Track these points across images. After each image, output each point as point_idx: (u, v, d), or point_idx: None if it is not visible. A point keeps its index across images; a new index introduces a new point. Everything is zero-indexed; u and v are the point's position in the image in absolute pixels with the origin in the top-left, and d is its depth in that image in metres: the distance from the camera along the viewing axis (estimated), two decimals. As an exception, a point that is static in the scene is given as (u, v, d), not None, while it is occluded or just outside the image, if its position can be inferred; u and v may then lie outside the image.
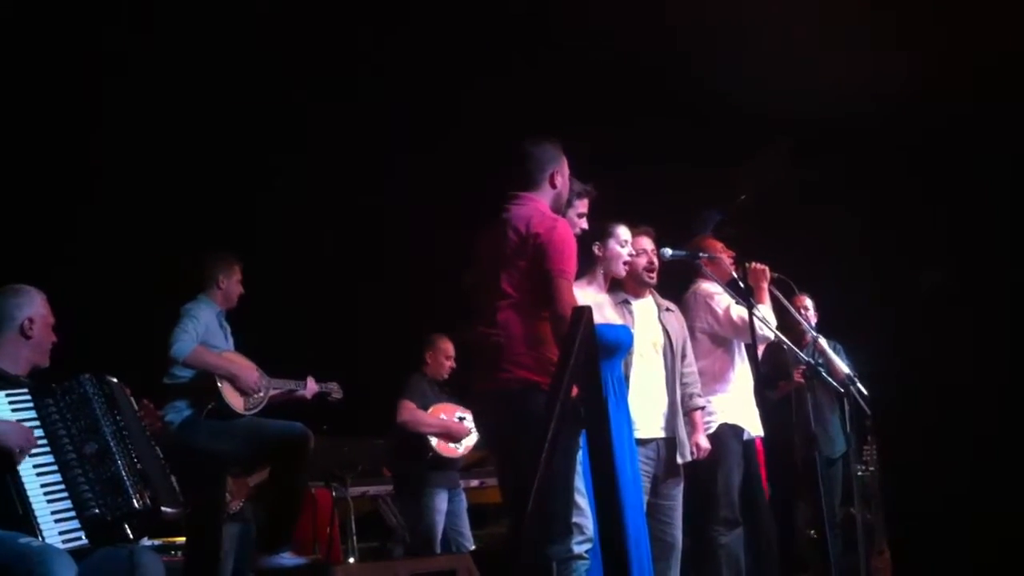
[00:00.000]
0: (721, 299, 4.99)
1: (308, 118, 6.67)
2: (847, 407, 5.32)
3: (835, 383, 5.26)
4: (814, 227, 6.80)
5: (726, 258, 5.07)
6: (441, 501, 5.75)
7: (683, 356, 4.71)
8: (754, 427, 4.99)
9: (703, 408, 4.77)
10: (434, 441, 5.78)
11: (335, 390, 5.24)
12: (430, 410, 5.85)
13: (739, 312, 4.84)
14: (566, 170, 3.83)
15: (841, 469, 6.08)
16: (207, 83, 6.26)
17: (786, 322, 5.20)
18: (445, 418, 5.85)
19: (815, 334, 5.51)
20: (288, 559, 4.59)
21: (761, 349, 5.07)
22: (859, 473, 5.90)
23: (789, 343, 5.02)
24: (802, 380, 5.26)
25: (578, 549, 3.51)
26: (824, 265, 6.64)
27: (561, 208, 3.86)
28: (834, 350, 5.80)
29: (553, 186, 3.79)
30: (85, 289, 5.74)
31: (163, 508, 3.43)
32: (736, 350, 5.07)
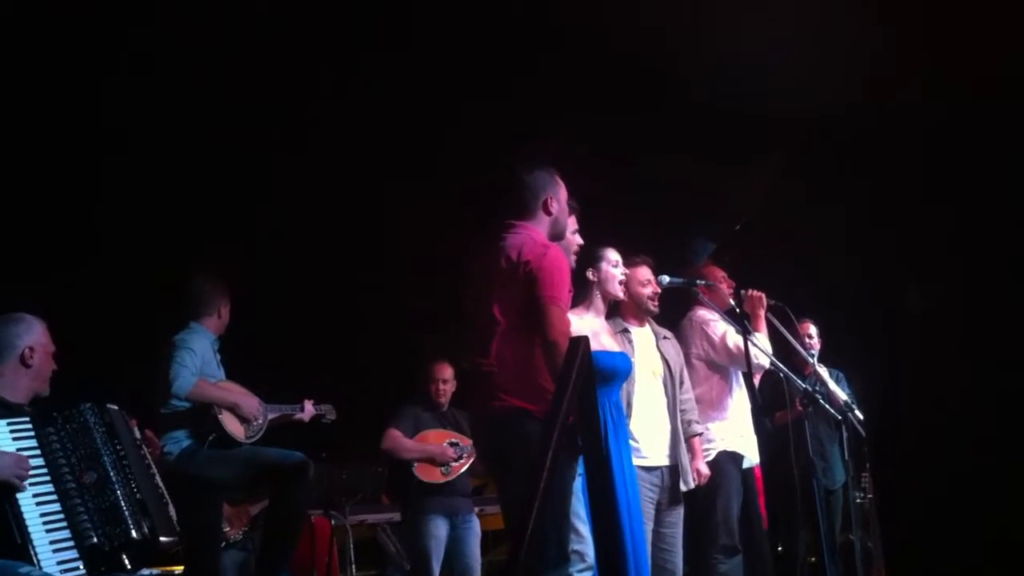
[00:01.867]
0: (717, 326, 5.01)
1: (306, 136, 6.70)
2: (845, 434, 5.33)
3: (833, 411, 5.27)
4: (809, 248, 6.82)
5: (725, 286, 5.10)
6: (436, 527, 5.71)
7: (680, 383, 4.73)
8: (752, 454, 4.99)
9: (700, 435, 4.78)
10: (416, 467, 5.79)
11: (329, 411, 5.26)
12: (418, 436, 5.85)
13: (735, 340, 4.85)
14: (563, 195, 3.83)
15: (841, 498, 6.08)
16: (201, 94, 6.26)
17: (785, 350, 5.22)
18: (430, 444, 5.84)
19: (812, 362, 5.52)
20: None
21: (757, 378, 5.09)
22: (858, 500, 5.89)
23: (786, 371, 5.04)
24: (801, 410, 5.28)
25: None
26: (820, 287, 6.65)
27: (561, 234, 3.85)
28: (835, 379, 5.81)
29: (548, 213, 3.79)
30: (85, 314, 5.75)
31: (161, 538, 3.43)
32: (733, 377, 5.08)
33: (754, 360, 4.68)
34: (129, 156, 6.33)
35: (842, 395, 5.38)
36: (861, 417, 5.30)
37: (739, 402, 5.03)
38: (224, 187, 6.67)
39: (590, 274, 4.51)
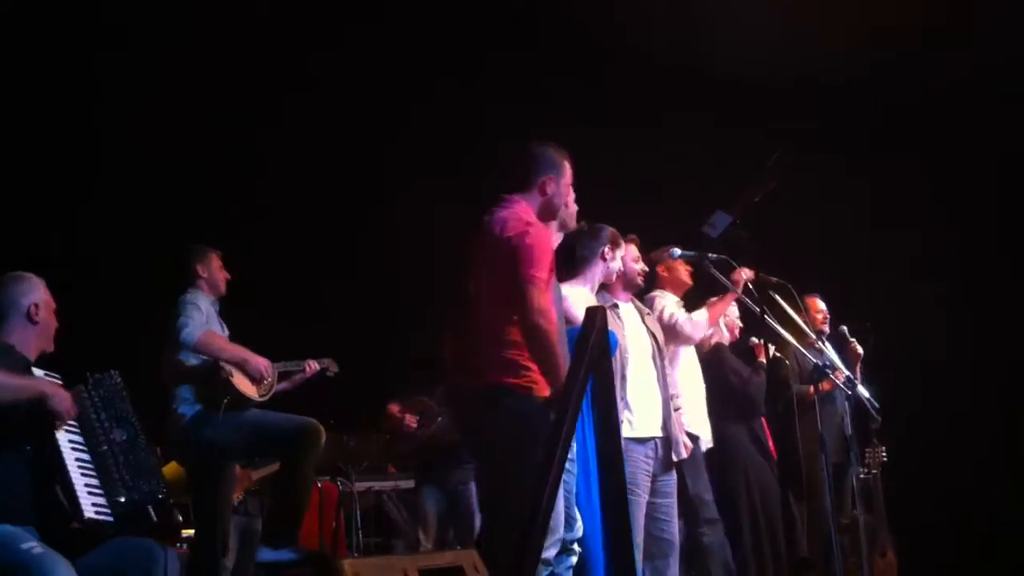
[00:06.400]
0: (664, 302, 5.09)
1: (298, 110, 6.69)
2: (848, 410, 5.35)
3: (842, 385, 5.29)
4: (822, 226, 6.82)
5: (683, 270, 5.22)
6: (426, 497, 5.85)
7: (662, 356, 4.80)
8: (705, 433, 5.03)
9: (679, 409, 4.85)
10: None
11: (331, 365, 5.24)
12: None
13: (679, 316, 4.96)
14: (565, 179, 3.84)
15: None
16: (194, 79, 6.24)
17: (795, 328, 5.23)
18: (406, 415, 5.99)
19: (815, 337, 5.53)
20: (288, 553, 4.56)
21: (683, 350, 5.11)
22: (861, 476, 5.91)
23: (799, 347, 5.05)
24: (830, 387, 5.34)
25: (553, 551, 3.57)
26: (830, 266, 6.66)
27: (552, 215, 3.85)
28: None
29: (543, 193, 3.81)
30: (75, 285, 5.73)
31: (175, 510, 3.52)
32: (683, 356, 5.12)
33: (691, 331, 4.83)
34: (123, 135, 6.31)
35: (846, 371, 5.39)
36: (866, 393, 5.33)
37: (689, 382, 5.06)
38: (220, 160, 6.64)
39: (606, 253, 4.57)
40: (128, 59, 6.10)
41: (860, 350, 5.91)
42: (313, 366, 5.11)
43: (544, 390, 3.57)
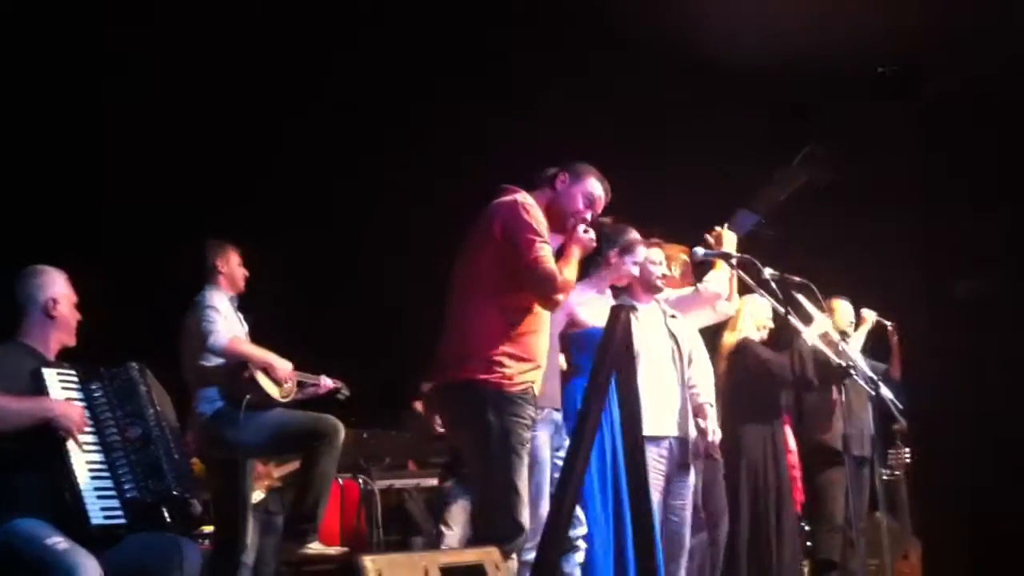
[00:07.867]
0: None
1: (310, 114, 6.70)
2: (870, 410, 5.33)
3: (866, 386, 5.26)
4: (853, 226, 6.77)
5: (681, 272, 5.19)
6: (451, 495, 5.80)
7: (689, 362, 4.79)
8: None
9: (704, 403, 4.84)
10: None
11: (344, 388, 5.27)
12: None
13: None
14: (581, 187, 3.78)
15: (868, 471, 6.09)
16: (199, 77, 6.25)
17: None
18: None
19: (838, 338, 5.50)
20: (315, 548, 4.59)
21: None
22: (884, 477, 5.88)
23: (823, 348, 5.03)
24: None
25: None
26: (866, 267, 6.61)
27: (560, 212, 3.78)
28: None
29: (552, 187, 3.77)
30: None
31: (192, 500, 3.48)
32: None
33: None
34: (129, 133, 6.30)
35: (868, 371, 5.37)
36: (889, 393, 5.30)
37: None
38: (236, 158, 6.64)
39: (612, 256, 4.60)
40: (134, 61, 6.11)
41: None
42: (327, 383, 5.12)
43: (516, 386, 3.54)
